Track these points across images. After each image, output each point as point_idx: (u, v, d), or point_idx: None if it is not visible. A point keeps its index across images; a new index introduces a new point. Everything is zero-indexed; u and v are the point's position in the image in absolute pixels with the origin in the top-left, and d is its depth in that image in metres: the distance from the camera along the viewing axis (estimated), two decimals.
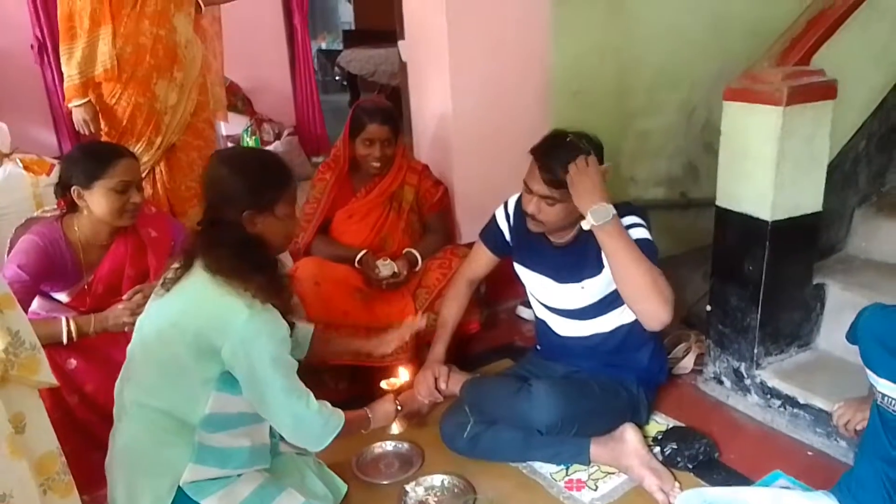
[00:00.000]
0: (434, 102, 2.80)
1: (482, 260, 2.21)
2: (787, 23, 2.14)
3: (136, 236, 1.98)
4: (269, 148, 4.70)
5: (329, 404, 1.60)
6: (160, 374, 1.51)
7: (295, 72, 5.23)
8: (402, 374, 2.03)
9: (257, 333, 1.45)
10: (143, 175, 2.51)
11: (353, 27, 8.52)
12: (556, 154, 1.83)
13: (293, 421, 1.54)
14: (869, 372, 1.54)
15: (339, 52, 7.50)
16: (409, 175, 2.54)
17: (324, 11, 9.03)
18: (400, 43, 2.94)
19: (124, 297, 1.86)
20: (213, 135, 2.76)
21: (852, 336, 1.62)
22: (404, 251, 2.47)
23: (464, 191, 2.79)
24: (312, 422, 1.56)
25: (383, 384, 2.00)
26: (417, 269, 2.45)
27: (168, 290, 1.52)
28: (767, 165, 1.98)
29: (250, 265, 1.48)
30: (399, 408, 1.84)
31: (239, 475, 1.57)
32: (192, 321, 1.47)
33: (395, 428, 1.93)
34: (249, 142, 4.68)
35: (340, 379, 2.31)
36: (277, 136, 4.82)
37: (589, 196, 1.76)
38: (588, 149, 1.84)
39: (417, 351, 2.28)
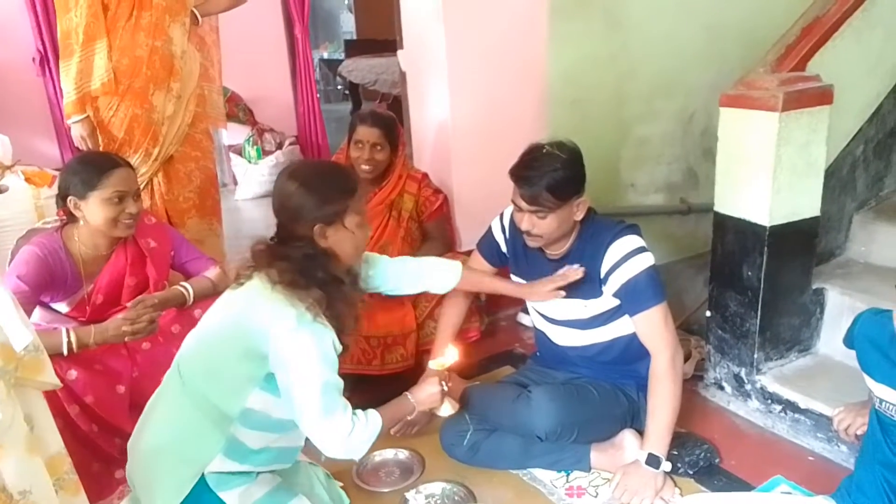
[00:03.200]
0: (433, 111, 2.81)
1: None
2: (782, 30, 2.16)
3: (136, 247, 1.99)
4: (270, 157, 4.73)
5: (361, 412, 1.58)
6: (212, 362, 1.54)
7: (296, 81, 5.25)
8: (451, 354, 1.86)
9: (299, 347, 1.45)
10: (142, 186, 2.52)
11: (354, 37, 8.57)
12: (532, 166, 1.82)
13: (327, 441, 1.53)
14: (866, 377, 1.55)
15: (341, 61, 7.53)
16: (409, 183, 2.54)
17: (325, 21, 9.07)
18: (399, 52, 2.96)
19: (128, 304, 1.86)
20: (211, 145, 2.77)
21: (849, 341, 1.62)
22: None
23: (463, 199, 2.80)
24: (346, 440, 1.53)
25: (432, 364, 1.88)
26: None
27: (234, 290, 1.56)
28: (764, 171, 1.99)
29: (311, 279, 1.49)
30: (446, 387, 1.76)
31: (257, 474, 1.59)
32: (243, 325, 1.49)
33: (446, 409, 1.80)
34: (251, 152, 4.71)
35: (344, 385, 2.31)
36: (279, 146, 4.85)
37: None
38: (569, 146, 1.85)
39: (418, 358, 2.28)
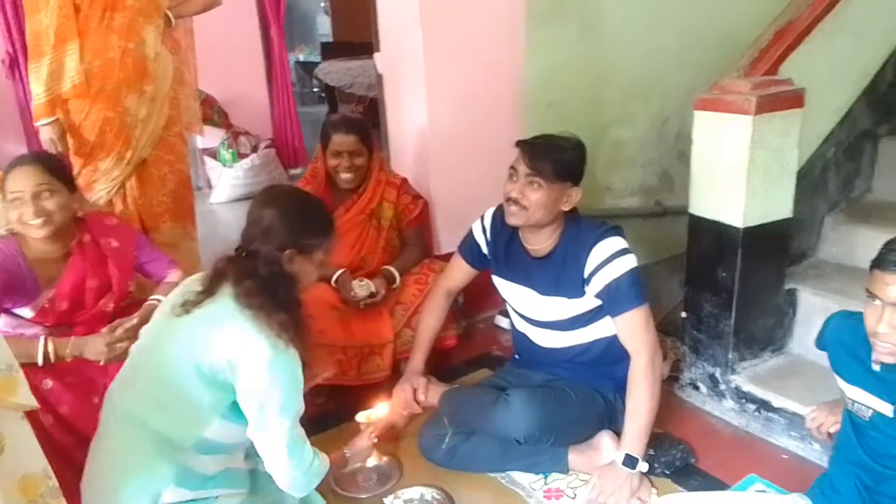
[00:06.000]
0: (410, 115, 2.81)
1: (460, 272, 2.22)
2: (756, 35, 2.19)
3: (96, 247, 1.94)
4: (246, 160, 4.69)
5: (317, 451, 1.60)
6: (167, 393, 1.48)
7: (272, 84, 5.21)
8: (380, 409, 1.99)
9: (275, 377, 1.44)
10: (114, 190, 2.48)
11: (330, 39, 8.53)
12: (544, 138, 1.90)
13: (287, 470, 1.52)
14: (838, 378, 1.57)
15: (317, 64, 7.49)
16: (388, 191, 2.51)
17: (302, 23, 9.02)
18: (376, 55, 2.96)
19: (103, 330, 1.82)
20: (185, 149, 2.73)
21: (821, 343, 1.65)
22: (382, 269, 2.43)
23: (442, 201, 2.80)
24: (304, 473, 1.55)
25: (360, 417, 1.97)
26: (395, 286, 2.42)
27: (188, 311, 1.49)
28: (738, 173, 2.01)
29: (279, 301, 1.47)
30: (375, 440, 1.87)
31: (217, 497, 1.54)
32: (211, 351, 1.44)
33: (372, 461, 1.94)
34: (226, 155, 4.66)
35: (319, 394, 2.29)
36: (254, 149, 4.80)
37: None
38: (576, 139, 1.92)
39: (396, 365, 2.28)
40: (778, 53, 2.08)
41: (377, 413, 1.94)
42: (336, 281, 2.35)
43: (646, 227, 3.24)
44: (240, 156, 4.70)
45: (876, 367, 1.45)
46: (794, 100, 2.02)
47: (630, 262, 1.87)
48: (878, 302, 1.35)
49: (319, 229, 1.60)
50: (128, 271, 2.00)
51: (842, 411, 1.61)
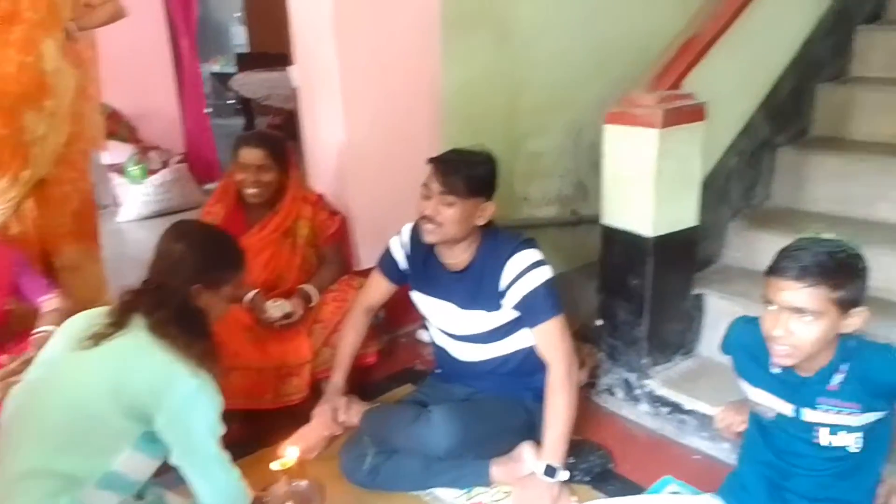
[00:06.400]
0: (327, 129, 2.77)
1: (379, 288, 2.20)
2: (664, 49, 2.26)
3: None
4: (156, 176, 4.52)
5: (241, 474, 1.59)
6: (77, 429, 1.42)
7: (183, 96, 5.04)
8: (291, 452, 1.91)
9: (200, 404, 1.45)
10: (10, 212, 2.33)
11: (246, 50, 8.34)
12: (456, 154, 1.91)
13: (216, 490, 1.51)
14: (742, 381, 1.63)
15: (233, 75, 7.31)
16: (304, 207, 2.45)
17: (216, 33, 8.79)
18: (291, 68, 2.90)
19: None
20: (88, 166, 2.59)
21: (724, 348, 1.71)
22: (298, 288, 2.37)
23: (361, 217, 2.76)
24: (233, 492, 1.55)
25: (274, 465, 1.89)
26: (313, 304, 2.37)
27: (97, 344, 1.45)
28: (647, 184, 2.08)
29: (194, 330, 1.49)
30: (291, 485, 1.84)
31: None
32: (129, 383, 1.42)
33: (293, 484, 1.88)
34: (135, 171, 4.47)
35: (233, 420, 2.20)
36: (165, 164, 4.62)
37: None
38: (487, 152, 1.93)
39: (316, 385, 2.22)
40: (682, 68, 2.16)
41: (290, 458, 1.87)
42: (249, 302, 2.27)
43: (563, 236, 3.30)
44: (150, 171, 4.51)
45: (775, 370, 1.52)
46: (696, 113, 2.11)
47: (545, 273, 1.90)
48: (773, 307, 1.42)
49: (227, 264, 1.62)
50: (4, 292, 1.91)
51: (748, 411, 1.68)
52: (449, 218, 1.87)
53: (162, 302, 1.49)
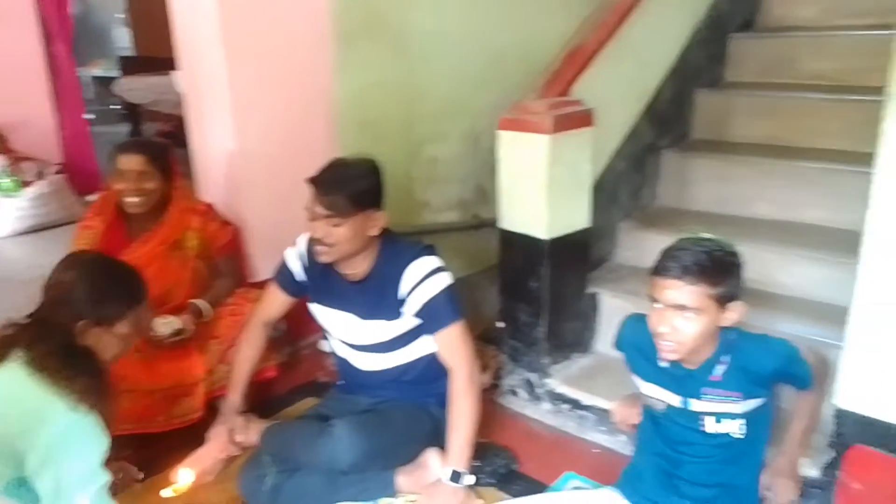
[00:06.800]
0: (217, 137, 2.66)
1: (276, 302, 2.14)
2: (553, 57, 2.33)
3: None
4: (31, 188, 4.21)
5: None
6: None
7: (60, 103, 4.72)
8: (185, 477, 1.85)
9: (77, 442, 1.32)
10: None
11: (131, 53, 7.93)
12: (332, 172, 1.85)
13: None
14: (634, 376, 1.70)
15: (117, 79, 6.94)
16: (192, 218, 2.35)
17: (97, 36, 8.30)
18: (176, 73, 2.78)
19: None
20: None
21: (616, 344, 1.78)
22: (189, 303, 2.27)
23: (256, 227, 2.68)
24: None
25: (165, 493, 1.82)
26: (206, 319, 2.27)
27: None
28: (540, 189, 2.13)
29: (79, 365, 1.37)
30: None
31: None
32: (3, 420, 1.30)
33: None
34: (7, 183, 4.14)
35: (124, 447, 2.08)
36: (40, 175, 4.31)
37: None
38: (368, 162, 1.88)
39: (212, 403, 2.13)
40: (569, 75, 2.23)
41: (183, 483, 1.79)
42: None
43: (465, 240, 3.34)
44: (24, 184, 4.19)
45: (663, 364, 1.59)
46: (585, 118, 2.18)
47: (444, 280, 1.90)
48: (658, 305, 1.48)
49: (120, 299, 1.49)
50: None
51: (642, 403, 1.75)
52: (340, 238, 1.82)
53: (43, 336, 1.38)
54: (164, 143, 2.41)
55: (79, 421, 1.32)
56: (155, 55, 6.49)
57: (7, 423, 1.30)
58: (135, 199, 2.21)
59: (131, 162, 2.20)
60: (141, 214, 2.26)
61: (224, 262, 2.45)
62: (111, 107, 7.60)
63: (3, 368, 1.35)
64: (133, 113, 6.75)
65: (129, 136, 6.50)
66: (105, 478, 1.38)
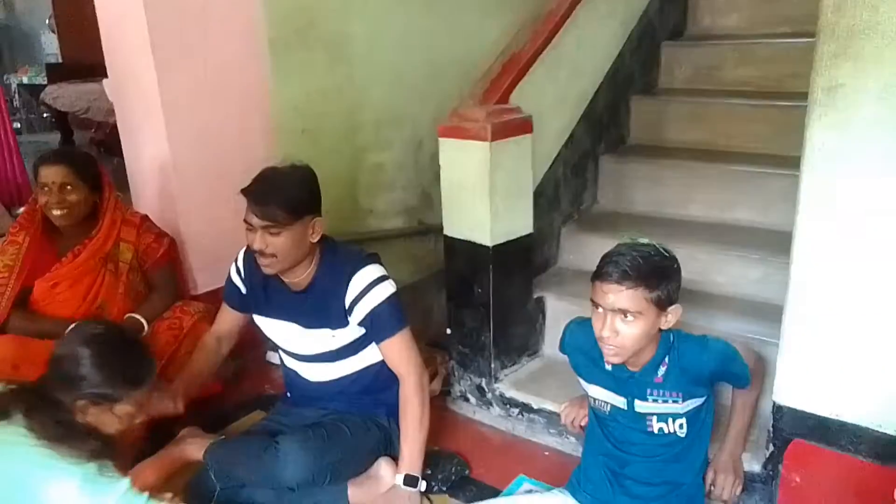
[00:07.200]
0: (150, 146, 2.59)
1: (227, 319, 2.11)
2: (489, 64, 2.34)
3: None
4: None
5: None
6: None
7: None
8: None
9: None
10: None
11: (58, 60, 7.64)
12: (265, 181, 1.81)
13: None
14: (580, 379, 1.73)
15: (46, 86, 6.67)
16: (125, 230, 2.29)
17: (24, 42, 7.99)
18: (105, 81, 2.69)
19: None
20: None
21: (562, 348, 1.81)
22: (125, 317, 2.21)
23: (193, 238, 2.62)
24: None
25: None
26: (144, 334, 2.21)
27: None
28: (482, 196, 2.14)
29: (80, 434, 1.36)
30: None
31: None
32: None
33: None
34: None
35: None
36: None
37: None
38: (302, 168, 1.86)
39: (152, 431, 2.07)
40: (507, 83, 2.24)
41: None
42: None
43: (412, 246, 3.34)
44: None
45: (608, 367, 1.62)
46: (523, 126, 2.20)
47: (388, 289, 1.90)
48: (600, 310, 1.52)
49: (125, 382, 1.47)
50: None
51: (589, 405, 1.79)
52: (280, 248, 1.80)
53: (40, 407, 1.37)
54: (88, 153, 2.31)
55: (85, 475, 1.31)
56: (84, 62, 6.28)
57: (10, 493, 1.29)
58: (60, 212, 2.14)
59: (54, 174, 2.13)
60: (71, 227, 2.19)
61: (160, 275, 2.38)
62: (43, 115, 7.33)
63: (5, 430, 1.34)
64: (63, 121, 6.51)
65: (60, 144, 6.28)
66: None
